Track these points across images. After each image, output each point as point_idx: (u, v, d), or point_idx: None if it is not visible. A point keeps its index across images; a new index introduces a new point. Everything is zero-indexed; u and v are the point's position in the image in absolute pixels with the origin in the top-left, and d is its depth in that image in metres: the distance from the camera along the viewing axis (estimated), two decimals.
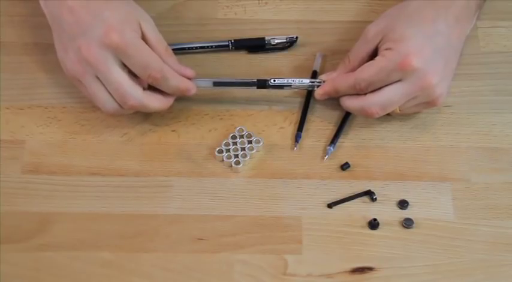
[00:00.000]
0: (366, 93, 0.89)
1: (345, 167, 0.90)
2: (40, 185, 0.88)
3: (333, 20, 1.02)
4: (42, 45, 0.99)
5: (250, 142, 0.91)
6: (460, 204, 0.88)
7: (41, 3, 0.92)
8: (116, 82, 0.86)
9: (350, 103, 0.90)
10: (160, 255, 0.85)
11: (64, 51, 0.88)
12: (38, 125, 0.93)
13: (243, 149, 0.91)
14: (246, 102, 0.95)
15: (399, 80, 0.87)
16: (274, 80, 0.92)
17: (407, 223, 0.87)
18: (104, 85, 0.87)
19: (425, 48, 0.87)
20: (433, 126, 0.93)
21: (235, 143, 0.91)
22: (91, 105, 0.94)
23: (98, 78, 0.87)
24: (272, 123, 0.94)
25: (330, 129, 0.93)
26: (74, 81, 0.89)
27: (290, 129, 0.93)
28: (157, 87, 0.89)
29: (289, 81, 0.93)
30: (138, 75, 0.88)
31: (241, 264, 0.84)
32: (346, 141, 0.92)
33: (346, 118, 0.93)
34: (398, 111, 0.90)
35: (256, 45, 0.98)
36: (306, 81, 0.93)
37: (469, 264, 0.85)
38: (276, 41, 0.98)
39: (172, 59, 0.90)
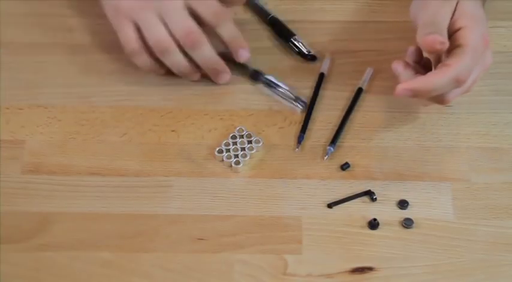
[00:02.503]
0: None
1: (344, 167, 0.90)
2: (40, 185, 0.88)
3: (333, 20, 1.02)
4: (42, 45, 0.99)
5: (250, 142, 0.91)
6: (460, 204, 0.88)
7: None
8: (181, 12, 0.89)
9: (450, 96, 0.87)
10: (160, 255, 0.85)
11: None
12: (38, 125, 0.93)
13: (243, 149, 0.91)
14: (246, 102, 0.95)
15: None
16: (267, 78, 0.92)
17: (407, 223, 0.87)
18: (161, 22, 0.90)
19: (484, 21, 0.88)
20: (433, 126, 0.93)
21: (235, 143, 0.91)
22: (91, 105, 0.94)
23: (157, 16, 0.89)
24: (272, 123, 0.94)
25: (329, 129, 0.93)
26: (120, 24, 0.91)
27: (290, 129, 0.93)
28: (217, 28, 0.92)
29: (281, 85, 0.93)
30: (203, 13, 0.90)
31: (241, 264, 0.84)
32: (346, 141, 0.92)
33: (346, 118, 0.93)
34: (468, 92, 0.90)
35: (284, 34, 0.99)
36: (291, 95, 0.93)
37: (469, 264, 0.85)
38: (301, 43, 0.98)
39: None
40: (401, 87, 0.84)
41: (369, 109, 0.95)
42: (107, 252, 0.85)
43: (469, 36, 0.85)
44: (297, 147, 0.91)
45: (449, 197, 0.89)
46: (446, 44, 0.84)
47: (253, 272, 0.84)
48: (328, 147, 0.91)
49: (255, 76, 0.93)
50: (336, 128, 0.93)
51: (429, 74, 0.85)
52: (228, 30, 0.93)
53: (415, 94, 0.85)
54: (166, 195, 0.88)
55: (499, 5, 1.02)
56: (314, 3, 1.04)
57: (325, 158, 0.91)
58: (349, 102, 0.94)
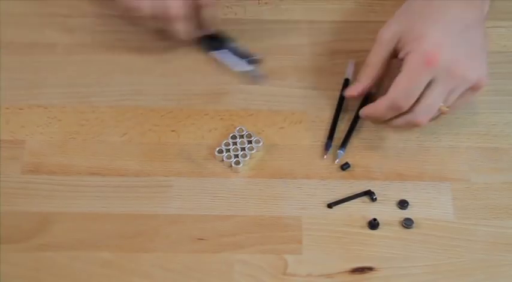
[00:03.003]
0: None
1: (345, 167, 0.90)
2: (40, 185, 0.88)
3: (333, 20, 1.02)
4: (42, 45, 0.99)
5: (250, 142, 0.91)
6: (460, 204, 0.88)
7: None
8: None
9: (396, 122, 0.88)
10: (160, 255, 0.85)
11: None
12: (38, 125, 0.93)
13: (243, 149, 0.91)
14: (246, 102, 0.95)
15: (432, 80, 0.85)
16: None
17: (407, 223, 0.87)
18: None
19: (445, 39, 0.86)
20: (433, 126, 0.93)
21: (235, 143, 0.91)
22: (91, 105, 0.94)
23: None
24: (272, 123, 0.94)
25: (329, 130, 0.93)
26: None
27: (290, 129, 0.93)
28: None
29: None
30: None
31: (241, 264, 0.84)
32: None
33: (355, 121, 0.93)
34: (446, 109, 0.88)
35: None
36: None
37: (469, 264, 0.85)
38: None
39: None
40: (362, 115, 0.91)
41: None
42: (107, 252, 0.85)
43: (406, 60, 0.86)
44: (325, 154, 0.91)
45: (449, 197, 0.89)
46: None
47: (253, 272, 0.84)
48: (339, 151, 0.91)
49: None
50: (335, 127, 0.93)
51: (373, 107, 0.89)
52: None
53: (370, 119, 0.91)
54: (166, 195, 0.88)
55: (499, 5, 1.02)
56: (314, 3, 1.04)
57: (336, 161, 0.91)
58: (345, 103, 0.95)
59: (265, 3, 1.03)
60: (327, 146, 0.91)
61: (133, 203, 0.88)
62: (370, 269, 0.84)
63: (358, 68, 0.97)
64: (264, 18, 1.02)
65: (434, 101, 0.86)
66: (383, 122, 0.90)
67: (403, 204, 0.88)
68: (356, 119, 0.93)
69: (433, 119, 0.89)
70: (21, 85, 0.96)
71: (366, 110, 0.90)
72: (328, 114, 0.94)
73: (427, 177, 0.90)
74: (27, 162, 0.90)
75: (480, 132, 0.93)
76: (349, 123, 0.93)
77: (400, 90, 0.86)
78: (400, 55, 0.88)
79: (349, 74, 0.97)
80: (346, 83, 0.96)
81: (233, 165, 0.90)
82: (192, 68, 0.97)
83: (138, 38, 1.00)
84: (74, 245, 0.85)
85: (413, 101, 0.86)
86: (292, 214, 0.87)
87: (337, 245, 0.86)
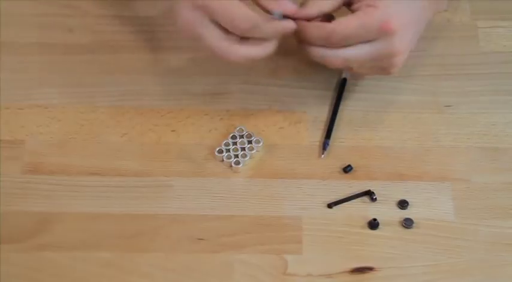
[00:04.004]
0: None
1: (347, 169, 0.90)
2: (40, 185, 0.88)
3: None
4: (42, 45, 0.99)
5: (250, 142, 0.91)
6: (460, 204, 0.88)
7: None
8: (212, 42, 0.86)
9: (314, 51, 0.87)
10: (160, 255, 0.85)
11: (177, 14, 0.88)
12: (38, 125, 0.93)
13: (243, 149, 0.91)
14: (246, 102, 0.95)
15: (370, 40, 0.85)
16: None
17: (407, 223, 0.87)
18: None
19: (405, 13, 0.86)
20: (433, 126, 0.93)
21: (235, 143, 0.91)
22: (91, 105, 0.94)
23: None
24: (272, 123, 0.94)
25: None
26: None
27: (290, 129, 0.93)
28: (253, 36, 0.86)
29: None
30: (229, 29, 0.85)
31: (241, 264, 0.84)
32: (346, 141, 0.92)
33: (336, 109, 0.93)
34: (353, 68, 0.88)
35: None
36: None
37: (469, 264, 0.85)
38: None
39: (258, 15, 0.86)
40: (285, 25, 0.86)
41: (368, 109, 0.95)
42: (107, 252, 0.85)
43: (364, 10, 0.85)
44: (322, 154, 0.91)
45: (449, 197, 0.89)
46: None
47: (253, 272, 0.84)
48: (325, 140, 0.91)
49: None
50: (332, 127, 0.93)
51: (308, 25, 0.86)
52: (263, 35, 0.87)
53: (295, 34, 0.87)
54: (166, 195, 0.88)
55: (499, 5, 1.02)
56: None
57: (324, 153, 0.91)
58: (341, 99, 0.95)
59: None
60: (324, 145, 0.91)
61: (133, 203, 0.88)
62: (370, 269, 0.84)
63: None
64: None
65: (359, 57, 0.86)
66: (302, 43, 0.88)
67: (403, 204, 0.88)
68: (336, 106, 0.93)
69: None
70: (21, 85, 0.96)
71: (299, 12, 0.86)
72: (328, 114, 0.94)
73: (427, 177, 0.90)
74: (27, 162, 0.90)
75: (480, 132, 0.93)
76: (348, 123, 0.93)
77: (345, 29, 0.84)
78: (360, 3, 0.87)
79: (346, 72, 0.97)
80: (344, 82, 0.96)
81: (233, 165, 0.90)
82: (192, 68, 0.97)
83: (138, 38, 1.00)
84: (74, 245, 0.85)
85: (346, 44, 0.85)
86: (292, 214, 0.87)
87: (337, 245, 0.85)
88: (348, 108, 0.95)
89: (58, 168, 0.90)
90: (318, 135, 0.93)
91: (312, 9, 0.87)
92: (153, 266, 0.84)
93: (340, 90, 0.95)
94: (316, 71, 0.98)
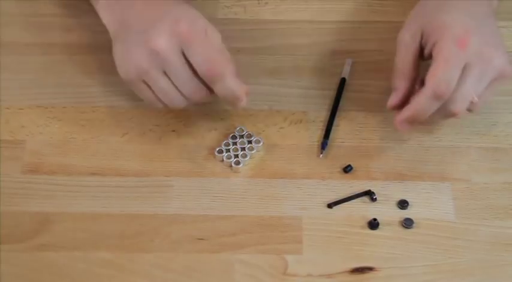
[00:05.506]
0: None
1: (347, 169, 0.90)
2: (40, 185, 0.88)
3: (333, 20, 1.02)
4: (42, 45, 0.99)
5: (250, 142, 0.91)
6: (460, 204, 0.88)
7: (102, 11, 0.90)
8: (185, 73, 0.84)
9: (434, 116, 0.86)
10: (160, 255, 0.85)
11: (126, 52, 0.85)
12: (38, 125, 0.93)
13: (243, 149, 0.91)
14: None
15: (464, 67, 0.83)
16: None
17: (407, 223, 0.87)
18: (170, 80, 0.85)
19: (469, 23, 0.85)
20: (433, 126, 0.93)
21: (235, 143, 0.91)
22: (91, 105, 0.94)
23: (164, 73, 0.84)
24: (272, 123, 0.94)
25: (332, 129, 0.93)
26: (134, 84, 0.86)
27: (290, 129, 0.93)
28: (211, 85, 0.85)
29: None
30: (197, 68, 0.84)
31: (241, 264, 0.84)
32: (346, 141, 0.92)
33: (335, 110, 0.93)
34: (476, 99, 0.85)
35: None
36: None
37: (469, 264, 0.85)
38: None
39: (232, 68, 0.85)
40: (398, 123, 0.87)
41: (369, 109, 0.95)
42: (107, 252, 0.85)
43: (436, 48, 0.84)
44: (321, 154, 0.91)
45: (449, 197, 0.89)
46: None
47: (253, 272, 0.84)
48: (324, 140, 0.91)
49: None
50: (331, 127, 0.93)
51: (413, 99, 0.86)
52: (222, 90, 0.86)
53: (412, 122, 0.87)
54: (166, 195, 0.88)
55: (499, 5, 1.02)
56: (314, 3, 1.04)
57: (323, 152, 0.91)
58: (340, 99, 0.95)
59: (265, 3, 1.03)
60: (323, 145, 0.91)
61: (133, 203, 0.88)
62: (370, 269, 0.84)
63: (356, 67, 0.98)
64: (264, 18, 1.02)
65: (469, 86, 0.84)
66: (417, 122, 0.87)
67: (403, 204, 0.88)
68: (335, 106, 0.93)
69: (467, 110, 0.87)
70: (21, 85, 0.96)
71: (403, 114, 0.86)
72: (328, 114, 0.94)
73: (427, 177, 0.90)
74: (27, 162, 0.90)
75: (480, 132, 0.93)
76: (348, 123, 0.93)
77: (439, 78, 0.83)
78: (427, 50, 0.86)
79: (346, 72, 0.97)
80: (343, 82, 0.96)
81: (233, 165, 0.90)
82: None
83: None
84: (74, 245, 0.85)
85: (453, 86, 0.83)
86: (292, 214, 0.87)
87: (337, 245, 0.85)
88: (348, 108, 0.95)
89: (58, 168, 0.90)
90: (318, 135, 0.93)
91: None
92: (153, 266, 0.84)
93: (339, 90, 0.95)
94: (316, 71, 0.98)
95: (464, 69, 0.84)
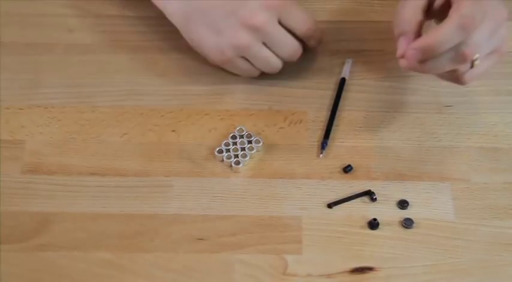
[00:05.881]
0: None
1: (347, 169, 0.90)
2: (40, 185, 0.88)
3: (333, 20, 1.02)
4: (42, 45, 0.99)
5: (250, 142, 0.91)
6: (460, 204, 0.88)
7: (167, 2, 0.94)
8: (287, 38, 0.92)
9: (443, 63, 0.83)
10: (160, 255, 0.85)
11: (217, 34, 0.91)
12: (38, 125, 0.93)
13: (243, 149, 0.91)
14: (246, 102, 0.95)
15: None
16: None
17: (407, 223, 0.87)
18: (270, 48, 0.92)
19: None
20: (433, 126, 0.93)
21: (235, 143, 0.91)
22: (91, 105, 0.94)
23: (263, 44, 0.91)
24: (272, 123, 0.94)
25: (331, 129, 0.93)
26: (230, 62, 0.93)
27: (290, 129, 0.93)
28: (308, 41, 0.95)
29: None
30: (297, 30, 0.93)
31: (241, 264, 0.84)
32: (346, 141, 0.92)
33: (335, 110, 0.93)
34: (477, 62, 0.83)
35: None
36: None
37: (469, 264, 0.85)
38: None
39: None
40: (409, 50, 0.83)
41: (368, 109, 0.95)
42: (107, 252, 0.85)
43: None
44: (321, 154, 0.91)
45: (449, 197, 0.89)
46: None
47: (253, 272, 0.84)
48: (324, 140, 0.91)
49: None
50: (331, 127, 0.93)
51: (433, 29, 0.82)
52: (315, 41, 0.96)
53: (425, 53, 0.82)
54: (166, 195, 0.88)
55: None
56: (314, 3, 1.04)
57: (323, 152, 0.91)
58: (340, 99, 0.95)
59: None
60: (323, 145, 0.91)
61: (133, 203, 0.88)
62: (370, 269, 0.84)
63: (356, 67, 0.98)
64: None
65: (483, 38, 0.82)
66: (427, 61, 0.83)
67: (403, 204, 0.88)
68: (335, 106, 0.93)
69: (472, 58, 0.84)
70: (21, 85, 0.96)
71: (420, 42, 0.82)
72: (328, 114, 0.94)
73: (427, 177, 0.90)
74: (27, 162, 0.90)
75: (480, 132, 0.93)
76: (348, 123, 0.93)
77: (466, 11, 0.80)
78: (438, 1, 0.85)
79: (346, 72, 0.97)
80: (343, 82, 0.96)
81: (233, 165, 0.90)
82: (192, 68, 0.97)
83: (138, 38, 1.00)
84: (74, 245, 0.85)
85: (478, 21, 0.81)
86: (292, 214, 0.87)
87: (337, 245, 0.85)
88: (348, 108, 0.95)
89: (58, 168, 0.90)
90: (318, 135, 0.93)
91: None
92: (153, 266, 0.84)
93: (339, 90, 0.95)
94: (316, 71, 0.98)
95: (484, 21, 0.82)
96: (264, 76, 0.96)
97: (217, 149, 0.91)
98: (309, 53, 0.99)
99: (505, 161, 0.91)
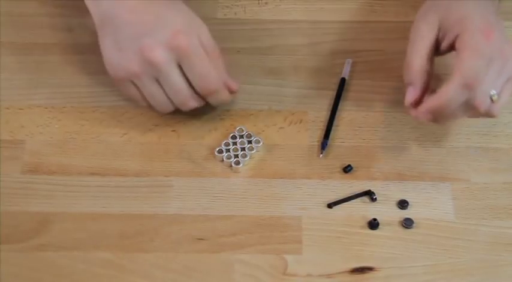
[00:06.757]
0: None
1: (347, 169, 0.90)
2: (40, 185, 0.88)
3: (333, 20, 1.02)
4: (42, 45, 0.99)
5: (250, 142, 0.91)
6: (460, 204, 0.88)
7: (90, 2, 0.90)
8: (178, 84, 0.86)
9: (456, 111, 0.84)
10: (160, 255, 0.85)
11: (118, 51, 0.86)
12: (38, 125, 0.93)
13: (243, 149, 0.91)
14: (246, 102, 0.95)
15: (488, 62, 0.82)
16: None
17: (407, 223, 0.87)
18: (161, 87, 0.87)
19: (488, 17, 0.84)
20: (433, 126, 0.93)
21: (235, 143, 0.91)
22: (91, 105, 0.94)
23: (156, 80, 0.86)
24: (272, 123, 0.94)
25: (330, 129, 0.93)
26: (121, 82, 0.88)
27: (290, 129, 0.93)
28: (205, 98, 0.89)
29: None
30: (193, 82, 0.87)
31: (241, 264, 0.84)
32: (346, 141, 0.92)
33: (335, 110, 0.93)
34: (496, 97, 0.83)
35: None
36: None
37: (469, 264, 0.85)
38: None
39: (222, 67, 0.89)
40: (420, 112, 0.85)
41: (368, 109, 0.95)
42: (107, 252, 0.85)
43: (462, 39, 0.83)
44: (321, 154, 0.91)
45: (449, 197, 0.89)
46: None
47: (253, 272, 0.84)
48: (324, 140, 0.91)
49: None
50: (331, 127, 0.93)
51: (439, 89, 0.83)
52: (214, 101, 0.91)
53: (435, 114, 0.84)
54: (166, 195, 0.88)
55: (499, 6, 1.02)
56: (314, 3, 1.04)
57: (322, 153, 0.90)
58: (340, 99, 0.95)
59: (265, 3, 1.03)
60: (323, 145, 0.91)
61: (133, 203, 0.88)
62: (370, 269, 0.84)
63: (356, 67, 0.98)
64: (264, 18, 1.02)
65: (492, 81, 0.83)
66: (438, 118, 0.85)
67: (403, 204, 0.88)
68: (335, 106, 0.93)
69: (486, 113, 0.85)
70: (21, 85, 0.96)
71: (428, 104, 0.84)
72: (328, 114, 0.94)
73: (427, 177, 0.90)
74: (27, 162, 0.90)
75: (480, 132, 0.93)
76: (348, 123, 0.93)
77: (469, 66, 0.81)
78: (445, 43, 0.85)
79: (345, 72, 0.97)
80: (343, 82, 0.96)
81: (233, 165, 0.90)
82: None
83: None
84: (74, 245, 0.85)
85: (482, 76, 0.82)
86: (292, 214, 0.87)
87: (337, 245, 0.85)
88: (348, 108, 0.95)
89: (58, 168, 0.90)
90: (318, 135, 0.93)
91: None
92: (153, 266, 0.84)
93: (339, 90, 0.95)
94: (316, 71, 0.98)
95: (489, 65, 0.82)
96: (264, 76, 0.96)
97: (217, 149, 0.91)
98: (309, 53, 0.99)
99: (505, 161, 0.91)
